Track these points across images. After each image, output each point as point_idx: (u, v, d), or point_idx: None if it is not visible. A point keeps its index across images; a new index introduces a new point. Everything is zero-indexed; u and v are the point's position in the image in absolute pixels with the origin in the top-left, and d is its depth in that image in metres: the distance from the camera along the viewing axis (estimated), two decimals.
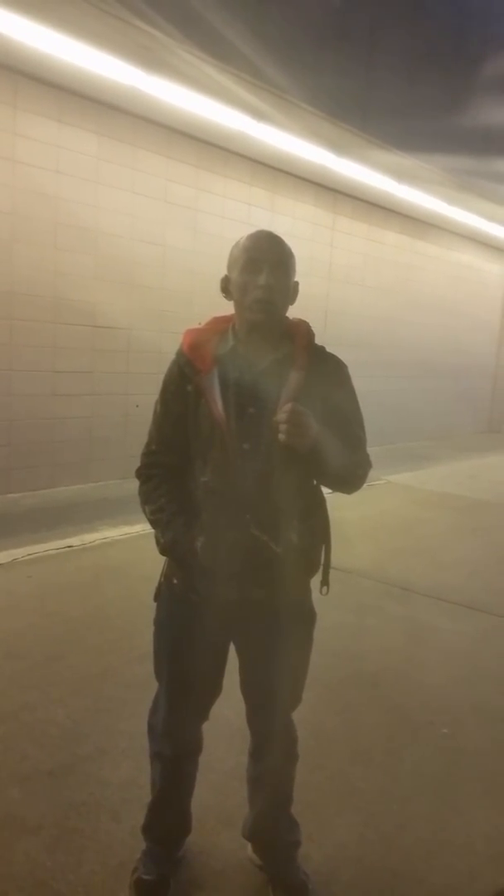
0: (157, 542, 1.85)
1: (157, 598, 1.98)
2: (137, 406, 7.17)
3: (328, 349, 1.90)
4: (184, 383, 1.81)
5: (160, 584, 1.96)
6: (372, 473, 1.95)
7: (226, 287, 1.83)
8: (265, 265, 1.74)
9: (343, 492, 1.91)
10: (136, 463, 1.95)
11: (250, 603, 1.81)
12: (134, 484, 1.95)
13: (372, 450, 1.90)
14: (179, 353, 1.85)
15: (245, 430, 1.75)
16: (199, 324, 1.91)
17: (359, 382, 1.93)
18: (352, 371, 1.89)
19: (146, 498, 1.89)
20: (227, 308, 1.89)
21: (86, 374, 6.89)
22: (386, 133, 7.56)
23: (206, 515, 1.79)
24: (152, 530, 1.88)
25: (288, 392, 1.75)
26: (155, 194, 7.23)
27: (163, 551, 1.86)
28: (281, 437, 1.65)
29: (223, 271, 1.83)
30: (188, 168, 7.50)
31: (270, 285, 1.73)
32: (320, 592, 1.92)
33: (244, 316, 1.78)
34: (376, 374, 10.68)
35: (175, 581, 1.88)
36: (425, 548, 5.80)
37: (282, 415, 1.65)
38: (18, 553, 4.88)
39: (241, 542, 1.76)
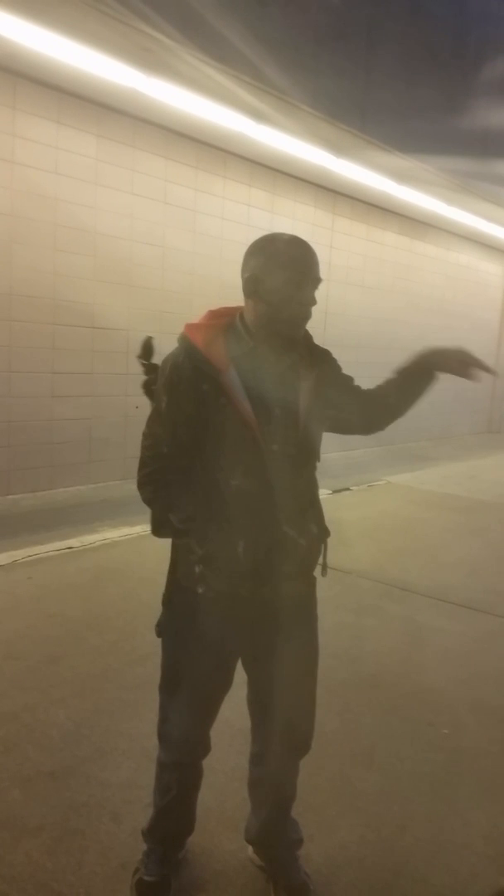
0: (192, 553, 1.81)
1: (167, 604, 1.91)
2: (137, 407, 7.15)
3: (328, 349, 1.96)
4: (199, 382, 1.74)
5: (170, 591, 1.90)
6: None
7: (256, 289, 1.76)
8: (310, 282, 1.77)
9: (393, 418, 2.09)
10: (137, 464, 1.86)
11: (279, 598, 1.84)
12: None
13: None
14: (192, 350, 1.77)
15: (273, 431, 1.77)
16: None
17: (359, 384, 1.97)
18: (351, 372, 2.01)
19: (169, 505, 1.81)
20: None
21: (85, 375, 6.89)
22: (385, 134, 7.56)
23: (242, 519, 1.77)
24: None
25: (306, 392, 1.81)
26: (154, 195, 7.23)
27: (200, 560, 1.80)
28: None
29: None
30: (187, 169, 7.51)
31: (312, 302, 1.79)
32: (321, 574, 1.97)
33: (276, 325, 1.77)
34: (376, 375, 10.53)
35: (200, 591, 1.82)
36: (425, 548, 5.80)
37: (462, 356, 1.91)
38: (18, 554, 4.89)
39: (276, 541, 1.79)
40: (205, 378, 1.74)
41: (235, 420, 1.74)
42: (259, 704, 2.01)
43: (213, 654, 1.88)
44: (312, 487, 1.92)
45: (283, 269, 1.73)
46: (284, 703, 1.97)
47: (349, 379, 2.00)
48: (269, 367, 1.79)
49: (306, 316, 1.79)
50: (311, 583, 1.96)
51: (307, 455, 1.85)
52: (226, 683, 1.95)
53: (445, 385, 2.11)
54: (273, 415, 1.76)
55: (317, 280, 1.79)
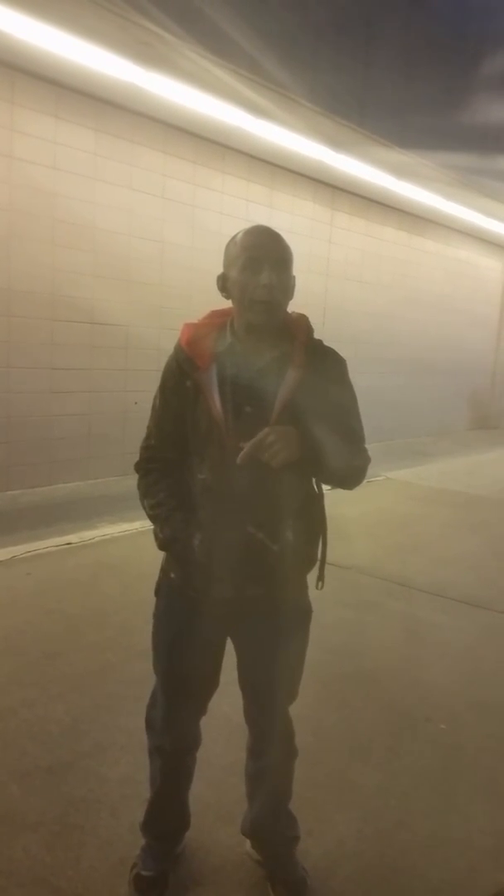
0: (156, 537, 1.86)
1: (157, 592, 1.98)
2: (136, 403, 7.16)
3: (328, 345, 1.89)
4: (182, 379, 1.80)
5: (160, 578, 1.96)
6: (370, 470, 1.95)
7: (224, 286, 1.80)
8: (266, 264, 1.71)
9: (344, 488, 1.91)
10: (135, 460, 1.95)
11: (247, 600, 1.82)
12: (133, 481, 1.94)
13: (370, 446, 1.90)
14: (178, 349, 1.83)
15: (242, 428, 1.74)
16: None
17: (357, 379, 1.93)
18: (350, 367, 1.89)
19: (145, 492, 1.88)
20: (225, 302, 1.89)
21: (84, 370, 6.88)
22: (384, 129, 7.54)
23: (203, 513, 1.78)
24: (151, 526, 1.88)
25: (285, 391, 1.74)
26: (152, 190, 7.21)
27: (161, 546, 1.86)
28: (273, 464, 1.65)
29: (221, 267, 1.82)
30: (186, 164, 7.49)
31: (272, 284, 1.71)
32: (316, 587, 1.93)
33: (244, 315, 1.76)
34: (375, 371, 10.68)
35: (172, 575, 1.88)
36: (424, 544, 5.81)
37: (249, 447, 1.64)
38: (17, 550, 4.88)
39: (238, 540, 1.76)
40: (187, 376, 1.79)
41: (207, 415, 1.76)
42: (244, 700, 2.03)
43: (185, 642, 1.90)
44: (298, 492, 1.84)
45: (239, 256, 1.73)
46: (258, 707, 2.00)
47: (345, 408, 1.87)
48: (247, 363, 1.77)
49: (268, 299, 1.71)
50: (296, 592, 1.92)
51: None
52: (204, 675, 1.96)
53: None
54: (243, 411, 1.74)
55: (279, 261, 1.73)
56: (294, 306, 1.85)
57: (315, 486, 1.90)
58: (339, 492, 2.01)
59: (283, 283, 1.75)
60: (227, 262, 1.78)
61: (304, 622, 1.97)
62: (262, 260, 1.71)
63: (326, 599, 2.01)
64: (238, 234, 1.78)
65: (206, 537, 1.76)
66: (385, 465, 8.80)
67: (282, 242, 1.76)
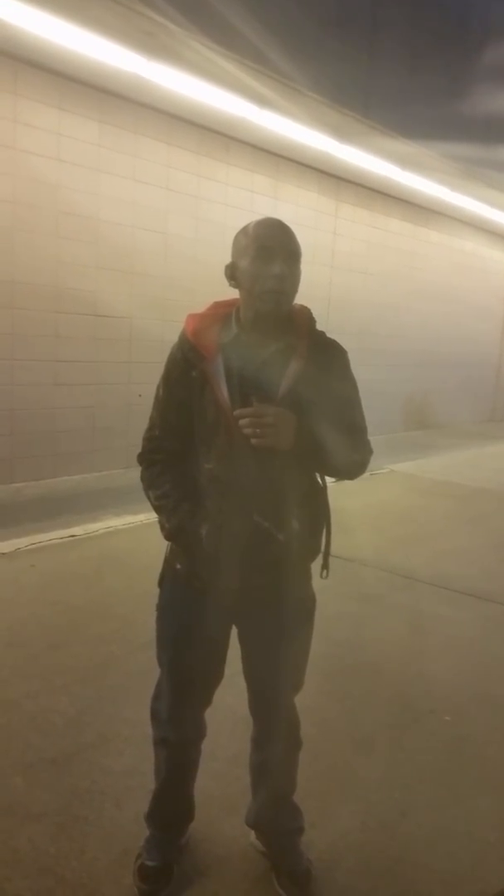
0: (162, 528, 1.86)
1: (161, 583, 1.98)
2: (140, 395, 7.15)
3: (331, 337, 1.90)
4: (188, 369, 1.81)
5: (164, 569, 1.97)
6: (374, 462, 1.96)
7: (232, 275, 1.80)
8: (279, 255, 1.73)
9: (344, 479, 1.92)
10: (138, 451, 1.94)
11: (253, 590, 1.82)
12: (137, 473, 1.94)
13: (374, 438, 1.90)
14: (183, 339, 1.84)
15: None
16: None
17: (362, 371, 1.93)
18: (354, 359, 1.89)
19: (150, 483, 1.89)
20: (228, 294, 1.88)
21: (88, 363, 6.87)
22: (388, 119, 7.50)
23: (210, 503, 1.79)
24: (156, 518, 1.88)
25: (287, 381, 1.76)
26: (157, 182, 7.18)
27: (168, 537, 1.86)
28: (253, 441, 1.68)
29: (226, 259, 1.81)
30: (190, 155, 7.46)
31: (284, 275, 1.73)
32: (321, 576, 1.93)
33: (253, 305, 1.77)
34: (379, 363, 10.65)
35: (178, 566, 1.88)
36: (427, 536, 5.80)
37: (244, 420, 1.68)
38: (22, 542, 4.89)
39: (244, 530, 1.77)
40: (193, 366, 1.80)
41: (213, 405, 1.76)
42: (248, 691, 2.04)
43: (189, 633, 1.91)
44: (303, 482, 1.85)
45: (251, 245, 1.74)
46: (263, 698, 2.00)
47: (347, 400, 1.87)
48: (253, 353, 1.78)
49: (279, 289, 1.73)
50: (301, 581, 1.93)
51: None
52: (209, 666, 1.96)
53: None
54: (249, 402, 1.73)
55: (290, 254, 1.75)
56: (299, 298, 1.84)
57: (318, 477, 1.92)
58: (343, 484, 2.01)
59: (294, 275, 1.77)
60: (237, 252, 1.79)
61: (308, 612, 1.97)
62: (274, 250, 1.73)
63: (330, 592, 2.02)
64: (249, 224, 1.79)
65: (213, 527, 1.77)
66: (389, 457, 8.78)
67: (294, 236, 1.78)
